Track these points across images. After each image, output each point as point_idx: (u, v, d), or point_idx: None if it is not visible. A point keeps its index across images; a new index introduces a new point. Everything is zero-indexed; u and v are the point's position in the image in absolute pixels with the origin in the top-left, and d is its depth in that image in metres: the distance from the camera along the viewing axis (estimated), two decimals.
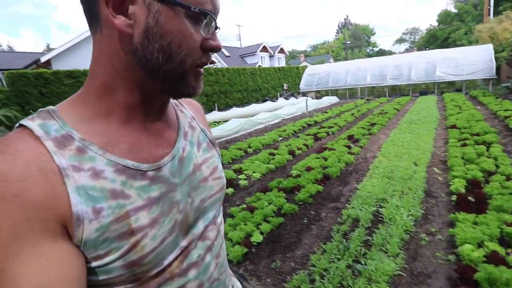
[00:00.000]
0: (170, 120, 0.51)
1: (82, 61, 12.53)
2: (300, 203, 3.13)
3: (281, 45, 28.72)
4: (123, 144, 0.42)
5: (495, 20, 15.39)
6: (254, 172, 4.20)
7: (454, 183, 3.23)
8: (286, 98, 16.81)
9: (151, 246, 0.41)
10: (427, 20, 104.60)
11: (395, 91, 15.76)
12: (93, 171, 0.38)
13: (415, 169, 3.83)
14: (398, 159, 4.28)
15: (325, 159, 4.43)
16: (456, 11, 34.77)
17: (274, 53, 27.72)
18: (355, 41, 46.88)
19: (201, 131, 0.56)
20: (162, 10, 0.38)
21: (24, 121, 0.38)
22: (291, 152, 5.05)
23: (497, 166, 3.50)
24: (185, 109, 0.56)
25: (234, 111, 12.05)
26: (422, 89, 14.40)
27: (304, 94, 18.21)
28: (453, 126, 5.80)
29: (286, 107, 11.40)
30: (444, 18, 35.46)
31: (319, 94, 17.78)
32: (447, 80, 13.49)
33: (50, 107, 0.40)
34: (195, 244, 0.49)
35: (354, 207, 2.93)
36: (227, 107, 15.53)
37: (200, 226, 0.50)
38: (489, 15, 19.53)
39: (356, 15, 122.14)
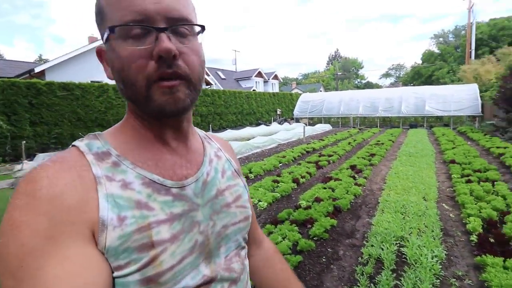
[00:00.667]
0: (196, 147, 0.54)
1: (77, 74, 12.31)
2: (315, 238, 2.93)
3: (275, 71, 29.60)
4: (151, 161, 0.46)
5: (477, 62, 16.52)
6: (260, 201, 3.99)
7: (470, 222, 3.15)
8: (279, 123, 16.97)
9: (169, 263, 0.42)
10: (411, 58, 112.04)
11: (386, 122, 16.24)
12: (123, 182, 0.42)
13: (426, 205, 3.75)
14: (407, 193, 4.20)
15: (333, 190, 4.30)
16: (439, 51, 37.38)
17: (268, 79, 28.44)
18: (345, 73, 49.08)
19: (227, 160, 0.59)
20: (109, 46, 0.43)
21: (75, 142, 0.44)
22: (295, 180, 4.90)
23: (508, 206, 3.46)
24: (213, 142, 0.60)
25: (229, 133, 11.96)
26: (412, 122, 14.92)
27: (298, 120, 18.47)
28: (453, 161, 5.87)
29: (282, 132, 11.42)
30: (428, 57, 37.98)
31: (312, 121, 18.07)
32: (436, 115, 14.06)
33: (98, 132, 0.47)
34: (219, 276, 0.48)
35: (373, 245, 2.76)
36: (221, 128, 15.44)
37: (222, 255, 0.50)
38: (470, 57, 21.05)
39: (346, 49, 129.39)
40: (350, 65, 53.95)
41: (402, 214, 3.46)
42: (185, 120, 0.50)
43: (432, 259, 2.50)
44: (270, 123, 17.60)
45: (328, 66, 58.61)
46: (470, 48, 21.61)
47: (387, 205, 3.76)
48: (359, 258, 2.61)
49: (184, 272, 0.44)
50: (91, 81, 12.42)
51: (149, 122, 0.47)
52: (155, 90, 0.42)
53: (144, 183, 0.43)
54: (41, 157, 7.43)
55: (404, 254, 2.63)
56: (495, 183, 4.37)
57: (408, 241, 2.81)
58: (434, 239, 2.86)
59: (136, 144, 0.47)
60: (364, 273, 2.35)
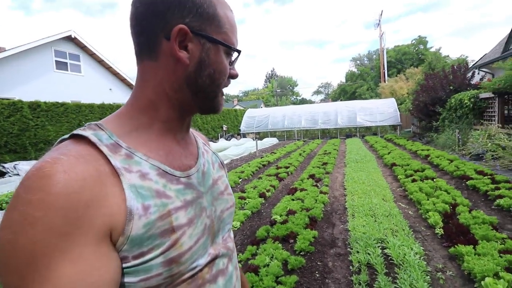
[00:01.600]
0: (192, 140, 0.59)
1: None
2: (302, 253, 2.75)
3: None
4: (161, 152, 0.48)
5: (392, 80, 19.48)
6: None
7: (430, 216, 3.42)
8: (227, 139, 16.77)
9: (188, 244, 0.45)
10: (336, 77, 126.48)
11: (325, 133, 17.59)
12: (140, 173, 0.43)
13: (388, 205, 3.98)
14: (368, 196, 4.42)
15: (302, 201, 4.24)
16: (358, 72, 43.10)
17: None
18: (282, 90, 52.27)
19: (212, 153, 0.65)
20: (211, 47, 0.49)
21: (77, 131, 0.42)
22: (262, 195, 4.72)
23: (453, 198, 3.92)
24: (198, 138, 0.63)
25: None
26: (347, 132, 16.48)
27: (244, 135, 18.58)
28: (394, 164, 6.53)
29: (233, 148, 11.24)
30: (350, 76, 43.46)
31: (258, 136, 18.38)
32: (366, 126, 15.84)
33: (97, 122, 0.46)
34: (221, 253, 0.54)
35: (359, 251, 2.72)
36: None
37: (220, 236, 0.56)
38: (385, 76, 24.75)
39: (281, 68, 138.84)
40: (286, 83, 57.89)
41: (372, 217, 3.57)
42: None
43: (414, 256, 2.58)
44: (217, 139, 17.25)
45: (266, 84, 61.72)
46: (384, 69, 25.52)
47: (355, 210, 3.86)
48: (350, 267, 2.53)
49: (198, 251, 0.48)
50: None
51: (179, 114, 0.51)
52: (220, 94, 0.53)
53: (158, 174, 0.45)
54: None
55: (388, 255, 2.65)
56: (434, 180, 4.97)
57: (387, 242, 2.87)
58: (408, 237, 2.99)
59: (147, 134, 0.48)
60: (361, 282, 2.26)
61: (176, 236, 0.44)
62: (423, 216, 3.60)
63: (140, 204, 0.41)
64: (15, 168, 8.05)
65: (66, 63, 13.44)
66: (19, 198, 0.35)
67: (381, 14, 27.77)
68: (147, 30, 0.47)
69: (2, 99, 9.09)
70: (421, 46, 37.02)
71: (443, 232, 3.06)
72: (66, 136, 0.43)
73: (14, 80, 11.58)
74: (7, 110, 8.65)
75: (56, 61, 13.00)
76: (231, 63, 0.53)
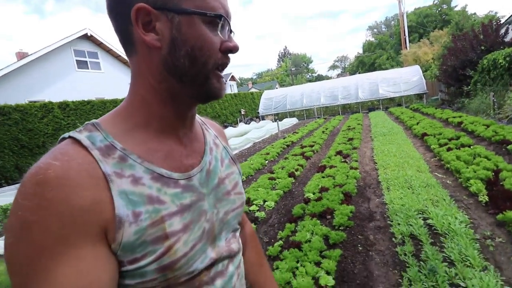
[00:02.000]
0: (198, 135, 0.54)
1: (12, 96, 10.65)
2: (341, 228, 2.78)
3: (231, 73, 29.38)
4: (160, 153, 0.45)
5: (415, 46, 18.30)
6: (265, 201, 3.74)
7: (471, 184, 3.29)
8: (246, 123, 16.81)
9: (183, 251, 0.44)
10: (352, 49, 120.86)
11: (346, 109, 17.11)
12: (133, 177, 0.41)
13: (424, 176, 3.87)
14: (401, 168, 4.31)
15: (333, 178, 4.22)
16: (376, 41, 40.80)
17: (226, 81, 28.11)
18: (297, 68, 50.93)
19: (223, 148, 0.60)
20: (183, 20, 0.42)
21: (73, 133, 0.41)
22: (291, 175, 4.74)
23: (495, 165, 3.72)
24: (210, 129, 0.60)
25: None
26: (369, 106, 15.91)
27: (263, 117, 18.50)
28: (425, 134, 6.27)
29: (254, 131, 11.25)
30: (368, 47, 41.28)
31: (277, 117, 18.22)
32: (389, 97, 15.19)
33: (94, 120, 0.44)
34: (222, 256, 0.51)
35: (400, 223, 2.70)
36: None
37: (223, 238, 0.53)
38: (406, 42, 23.28)
39: (294, 46, 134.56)
40: (300, 61, 56.19)
41: (409, 189, 3.50)
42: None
43: (460, 225, 2.52)
44: (237, 124, 17.34)
45: (279, 64, 60.25)
46: (405, 35, 23.94)
47: (390, 183, 3.80)
48: (393, 239, 2.53)
49: (195, 257, 0.46)
50: (29, 101, 10.87)
51: (173, 106, 0.47)
52: (213, 76, 0.45)
53: (153, 178, 0.43)
54: None
55: (432, 225, 2.61)
56: (471, 146, 4.73)
57: (429, 212, 2.82)
58: (451, 206, 2.92)
59: (144, 135, 0.45)
60: (406, 253, 2.26)
61: (170, 242, 0.42)
62: (464, 185, 3.47)
63: (130, 211, 0.39)
64: None
65: (86, 61, 13.83)
66: (17, 204, 0.36)
67: None
68: (119, 23, 0.44)
69: (34, 101, 9.61)
70: (445, 6, 34.14)
71: (487, 199, 2.95)
72: (66, 135, 0.42)
73: (41, 83, 12.15)
74: (40, 112, 9.15)
75: (76, 60, 13.42)
76: (226, 35, 0.45)
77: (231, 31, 0.46)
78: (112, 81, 14.80)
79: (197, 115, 0.58)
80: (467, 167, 3.81)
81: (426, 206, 2.98)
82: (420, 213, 2.87)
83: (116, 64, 15.32)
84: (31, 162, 8.64)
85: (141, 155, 0.43)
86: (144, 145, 0.44)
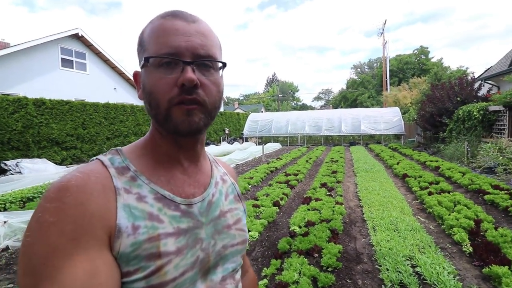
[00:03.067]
0: (205, 169, 0.58)
1: None
2: (329, 269, 2.64)
3: None
4: (164, 178, 0.50)
5: (395, 89, 19.51)
6: (249, 231, 3.54)
7: (455, 232, 3.32)
8: (229, 142, 16.67)
9: (172, 275, 0.45)
10: (336, 84, 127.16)
11: (329, 140, 17.53)
12: (138, 195, 0.46)
13: (408, 219, 3.88)
14: (385, 208, 4.32)
15: (319, 211, 4.13)
16: (360, 79, 43.31)
17: None
18: (284, 95, 52.39)
19: (231, 184, 0.63)
20: (143, 72, 0.50)
21: (99, 156, 0.49)
22: (276, 203, 4.60)
23: (476, 214, 3.82)
24: (220, 167, 0.64)
25: None
26: (351, 140, 16.43)
27: (246, 139, 18.48)
28: (406, 175, 6.44)
29: (237, 152, 11.13)
30: (352, 84, 43.64)
31: (261, 140, 18.29)
32: (369, 134, 15.81)
33: (118, 148, 0.52)
34: None
35: (388, 269, 2.61)
36: None
37: (219, 274, 0.53)
38: (387, 84, 24.83)
39: (282, 73, 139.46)
40: (287, 88, 58.06)
41: (395, 231, 3.47)
42: (198, 143, 0.55)
43: (448, 276, 2.47)
44: (219, 142, 17.13)
45: (267, 88, 61.84)
46: (386, 78, 25.61)
47: (375, 223, 3.76)
48: (382, 286, 2.42)
49: (183, 285, 0.46)
50: (1, 94, 10.12)
51: (168, 141, 0.52)
52: (175, 111, 0.47)
53: (156, 198, 0.47)
54: None
55: (421, 274, 2.54)
56: (450, 193, 4.88)
57: (417, 259, 2.76)
58: (437, 254, 2.89)
59: (153, 162, 0.51)
60: None
61: (162, 262, 0.44)
62: (447, 232, 3.50)
63: (130, 224, 0.43)
64: (17, 165, 7.87)
65: (72, 61, 13.33)
66: (39, 206, 0.40)
67: (384, 23, 27.98)
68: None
69: (7, 95, 8.95)
70: (423, 56, 37.33)
71: (471, 250, 2.96)
72: (94, 158, 0.50)
73: (19, 77, 11.45)
74: (11, 107, 8.50)
75: (62, 58, 12.89)
76: (180, 70, 0.47)
77: (189, 63, 0.47)
78: (97, 84, 14.28)
79: (211, 155, 0.64)
80: (449, 214, 3.88)
81: (413, 252, 2.93)
82: (408, 259, 2.80)
83: (104, 68, 14.89)
84: None
85: (149, 177, 0.49)
86: (153, 170, 0.50)
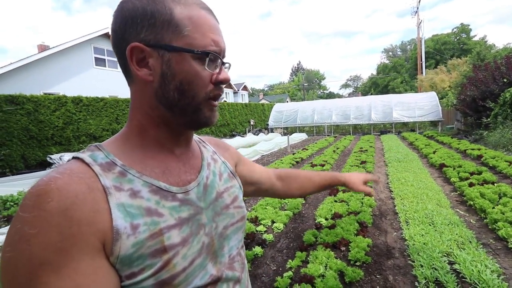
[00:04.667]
0: (195, 152, 0.57)
1: (28, 86, 10.79)
2: (357, 263, 2.54)
3: (244, 82, 29.56)
4: (157, 169, 0.48)
5: (432, 72, 18.09)
6: (274, 222, 3.52)
7: (499, 227, 3.03)
8: (254, 134, 16.70)
9: (182, 265, 0.44)
10: (365, 70, 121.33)
11: (357, 129, 16.86)
12: (131, 191, 0.43)
13: (446, 212, 3.61)
14: (419, 200, 4.06)
15: (347, 203, 3.99)
16: (391, 64, 40.79)
17: (238, 90, 28.26)
18: (309, 83, 51.11)
19: (222, 163, 0.62)
20: (172, 57, 0.45)
21: (76, 154, 0.45)
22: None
23: None
24: (208, 145, 0.63)
25: None
26: (381, 129, 15.64)
27: (272, 130, 18.38)
28: (443, 165, 5.99)
29: (263, 143, 11.09)
30: (383, 69, 41.28)
31: (286, 131, 18.08)
32: (402, 121, 14.91)
33: (97, 143, 0.47)
34: (225, 275, 0.51)
35: (422, 265, 2.45)
36: None
37: (226, 255, 0.53)
38: (422, 68, 23.11)
39: (307, 61, 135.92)
40: (313, 77, 56.46)
41: (431, 225, 3.25)
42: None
43: (491, 275, 2.27)
44: (245, 134, 17.23)
45: (292, 78, 60.65)
46: (421, 60, 23.81)
47: (408, 216, 3.55)
48: (416, 283, 2.28)
49: (194, 273, 0.46)
50: (44, 93, 10.98)
51: (165, 130, 0.50)
52: (205, 106, 0.49)
53: (151, 191, 0.45)
54: None
55: (459, 272, 2.36)
56: (495, 184, 4.45)
57: (455, 256, 2.57)
58: (478, 251, 2.66)
59: (141, 153, 0.48)
60: None
61: (168, 256, 0.42)
62: (490, 227, 3.21)
63: (128, 223, 0.40)
64: (60, 159, 8.57)
65: (104, 59, 14.05)
66: (17, 216, 0.36)
67: (419, 1, 25.82)
68: (119, 57, 0.48)
69: (49, 94, 9.70)
70: (464, 35, 34.10)
71: None
72: (70, 156, 0.45)
73: (58, 76, 12.32)
74: (53, 105, 9.20)
75: (95, 57, 13.62)
76: (217, 68, 0.49)
77: (223, 63, 0.50)
78: None
79: (194, 134, 0.61)
80: (493, 207, 3.54)
81: (451, 248, 2.73)
82: (445, 256, 2.61)
83: None
84: (37, 154, 8.65)
85: (140, 170, 0.46)
86: (143, 162, 0.47)
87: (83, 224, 0.36)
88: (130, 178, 0.44)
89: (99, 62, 13.80)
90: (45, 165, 8.61)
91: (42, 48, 13.89)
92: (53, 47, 12.21)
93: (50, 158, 8.61)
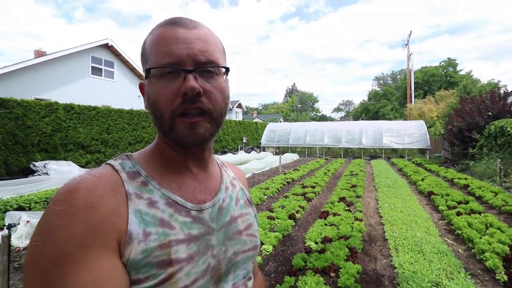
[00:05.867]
0: (214, 174, 0.57)
1: (21, 91, 10.63)
2: None
3: (239, 100, 29.93)
4: (174, 184, 0.50)
5: (420, 102, 18.80)
6: (263, 244, 3.43)
7: (487, 258, 3.04)
8: (246, 152, 16.69)
9: (183, 283, 0.43)
10: (357, 95, 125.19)
11: (348, 153, 17.08)
12: (149, 200, 0.45)
13: (435, 241, 3.61)
14: (409, 227, 4.06)
15: (337, 227, 3.95)
16: (382, 91, 42.27)
17: (232, 107, 28.51)
18: (303, 105, 52.16)
19: (240, 189, 0.62)
20: (147, 82, 0.49)
21: (110, 161, 0.48)
22: (292, 216, 4.46)
23: (511, 239, 3.49)
24: (229, 171, 0.63)
25: None
26: (372, 153, 15.89)
27: (264, 149, 18.43)
28: (431, 193, 6.07)
29: (254, 162, 11.08)
30: (374, 95, 42.65)
31: (278, 150, 18.16)
32: (392, 147, 15.23)
33: (128, 153, 0.52)
34: None
35: None
36: None
37: (230, 282, 0.51)
38: (411, 97, 24.01)
39: (301, 84, 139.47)
40: (307, 99, 57.78)
41: (420, 253, 3.23)
42: (206, 150, 0.55)
43: None
44: (237, 151, 17.20)
45: (286, 98, 61.87)
46: (410, 90, 24.79)
47: (398, 243, 3.53)
48: None
49: None
50: (35, 98, 10.80)
51: (175, 150, 0.51)
52: (178, 123, 0.47)
53: (167, 203, 0.46)
54: None
55: None
56: (481, 214, 4.51)
57: (444, 286, 2.54)
58: (467, 281, 2.64)
59: (163, 168, 0.50)
60: None
61: (173, 270, 0.42)
62: (478, 257, 3.21)
63: (141, 230, 0.42)
64: (44, 167, 8.29)
65: (101, 69, 14.07)
66: (48, 209, 0.39)
67: (409, 35, 27.33)
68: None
69: (40, 99, 9.54)
70: (451, 69, 35.90)
71: (506, 279, 2.68)
72: (107, 162, 0.49)
73: (52, 83, 12.22)
74: (43, 111, 9.03)
75: (92, 66, 13.64)
76: (182, 79, 0.47)
77: (191, 71, 0.46)
78: (123, 92, 14.93)
79: (219, 158, 0.64)
80: (480, 237, 3.57)
81: (440, 278, 2.70)
82: (434, 285, 2.58)
83: (130, 76, 15.58)
84: (21, 160, 8.35)
85: (160, 183, 0.48)
86: (163, 176, 0.49)
87: (105, 223, 0.39)
88: (151, 189, 0.46)
89: (96, 71, 13.81)
90: (27, 172, 8.29)
91: (39, 54, 13.84)
92: (50, 54, 12.19)
93: (34, 165, 8.32)
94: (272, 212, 4.70)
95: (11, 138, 8.22)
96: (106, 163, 0.48)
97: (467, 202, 5.17)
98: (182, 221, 0.46)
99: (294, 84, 76.90)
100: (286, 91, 65.82)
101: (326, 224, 4.12)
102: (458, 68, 35.77)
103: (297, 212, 4.73)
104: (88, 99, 11.90)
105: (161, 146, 0.52)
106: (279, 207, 5.00)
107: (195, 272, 0.45)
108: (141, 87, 0.53)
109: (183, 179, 0.51)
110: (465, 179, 7.58)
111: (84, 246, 0.37)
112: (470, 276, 2.80)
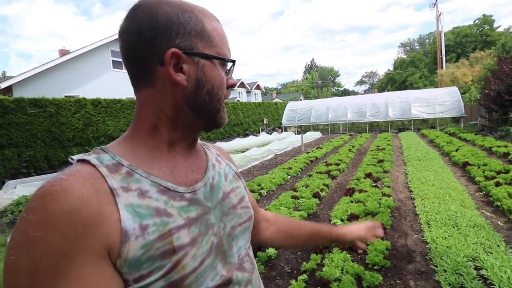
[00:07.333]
0: (200, 154, 0.58)
1: (50, 90, 11.24)
2: (375, 267, 2.45)
3: (257, 81, 29.49)
4: (165, 168, 0.48)
5: (453, 66, 17.32)
6: None
7: None
8: (268, 133, 16.63)
9: (191, 266, 0.43)
10: (381, 66, 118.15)
11: (374, 127, 16.41)
12: (139, 191, 0.43)
13: (470, 213, 3.42)
14: (442, 201, 3.87)
15: (364, 204, 3.87)
16: (409, 58, 39.43)
17: (251, 89, 28.24)
18: (323, 81, 50.35)
19: (226, 164, 0.62)
20: (206, 63, 0.48)
21: (82, 156, 0.44)
22: (316, 195, 4.43)
23: None
24: (211, 149, 0.63)
25: (220, 145, 11.35)
26: (399, 126, 15.15)
27: (285, 129, 18.24)
28: (467, 163, 5.70)
29: (276, 142, 11.02)
30: (400, 64, 39.95)
31: (300, 129, 17.88)
32: (422, 118, 14.38)
33: (102, 146, 0.47)
34: (235, 276, 0.51)
35: (446, 270, 2.32)
36: (209, 141, 14.76)
37: (235, 255, 0.53)
38: (442, 62, 22.19)
39: (321, 59, 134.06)
40: (327, 74, 55.53)
41: (454, 227, 3.08)
42: None
43: None
44: (258, 133, 17.20)
45: (305, 76, 59.94)
46: (441, 54, 22.85)
47: (430, 217, 3.39)
48: None
49: (205, 273, 0.46)
50: (65, 96, 11.39)
51: (181, 132, 0.50)
52: (222, 109, 0.53)
53: (159, 191, 0.44)
54: (11, 185, 6.41)
55: (487, 278, 2.21)
56: None
57: (482, 261, 2.41)
58: (508, 256, 2.49)
59: (149, 153, 0.48)
60: None
61: (178, 257, 0.42)
62: None
63: (137, 224, 0.40)
64: None
65: (121, 62, 14.40)
66: (21, 218, 0.36)
67: None
68: (140, 59, 0.47)
69: (70, 97, 10.06)
70: (486, 26, 32.39)
71: None
72: (75, 159, 0.45)
73: (78, 80, 12.77)
74: (73, 107, 9.54)
75: (112, 60, 14.01)
76: (228, 73, 0.53)
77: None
78: None
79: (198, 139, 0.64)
80: None
81: (477, 252, 2.58)
82: (471, 260, 2.47)
83: None
84: (60, 154, 9.00)
85: (147, 170, 0.45)
86: (150, 162, 0.47)
87: (88, 227, 0.36)
88: (138, 178, 0.44)
89: (116, 64, 14.18)
90: (67, 165, 8.95)
91: (63, 52, 14.43)
92: (73, 51, 12.66)
93: (71, 159, 8.93)
94: (296, 191, 4.69)
95: (49, 135, 8.83)
96: (79, 160, 0.44)
97: (507, 171, 4.80)
98: (178, 206, 0.45)
99: (313, 60, 74.03)
100: (305, 67, 63.63)
101: (352, 201, 4.04)
102: (495, 25, 32.19)
103: (322, 190, 4.68)
104: (112, 93, 12.34)
105: (156, 129, 0.48)
106: (302, 186, 4.98)
107: (201, 253, 0.45)
108: (171, 56, 0.45)
109: (174, 161, 0.50)
110: (505, 146, 7.01)
111: (65, 257, 0.34)
112: (511, 250, 2.64)
